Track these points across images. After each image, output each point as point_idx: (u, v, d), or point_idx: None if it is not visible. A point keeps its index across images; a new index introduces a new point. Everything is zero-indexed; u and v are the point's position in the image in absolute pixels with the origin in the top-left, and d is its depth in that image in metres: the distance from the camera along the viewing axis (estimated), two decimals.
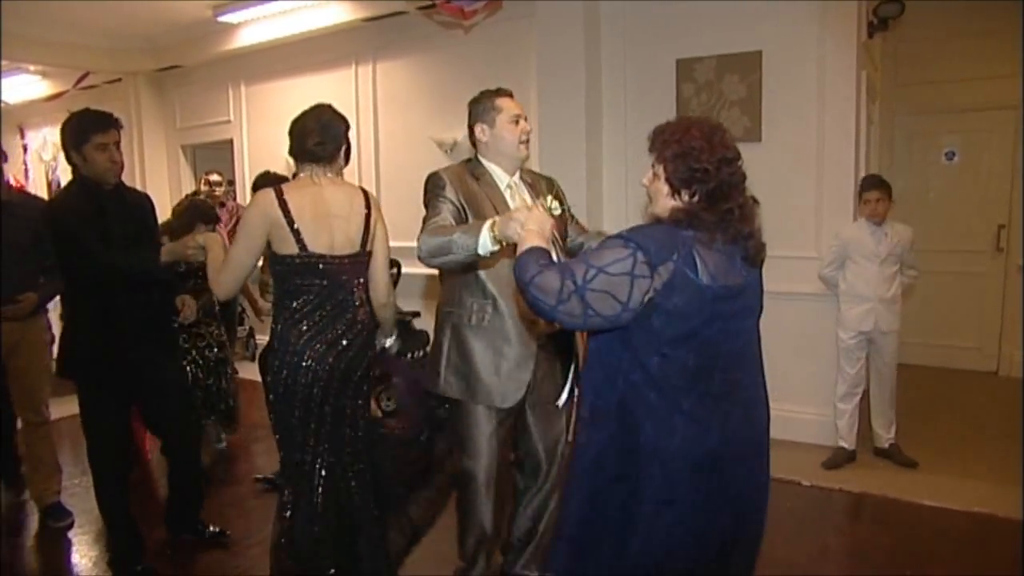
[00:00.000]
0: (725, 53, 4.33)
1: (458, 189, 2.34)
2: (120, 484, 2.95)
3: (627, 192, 4.67)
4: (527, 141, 2.45)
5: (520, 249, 1.71)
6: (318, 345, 2.38)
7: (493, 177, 2.44)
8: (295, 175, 2.59)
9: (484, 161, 2.46)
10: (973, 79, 5.53)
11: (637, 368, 1.59)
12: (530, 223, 1.80)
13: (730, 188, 1.62)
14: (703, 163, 1.59)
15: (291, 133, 2.47)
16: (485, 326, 2.37)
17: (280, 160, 6.05)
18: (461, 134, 5.45)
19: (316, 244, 2.37)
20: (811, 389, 4.19)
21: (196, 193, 5.85)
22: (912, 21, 5.10)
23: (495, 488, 2.50)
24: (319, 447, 2.44)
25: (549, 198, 2.38)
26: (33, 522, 3.55)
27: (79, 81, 7.52)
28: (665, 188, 1.65)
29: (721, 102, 4.39)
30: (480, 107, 2.45)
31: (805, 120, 4.15)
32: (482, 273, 2.35)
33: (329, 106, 2.52)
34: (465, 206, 2.32)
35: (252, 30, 6.10)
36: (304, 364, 2.37)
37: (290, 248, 2.35)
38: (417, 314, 5.24)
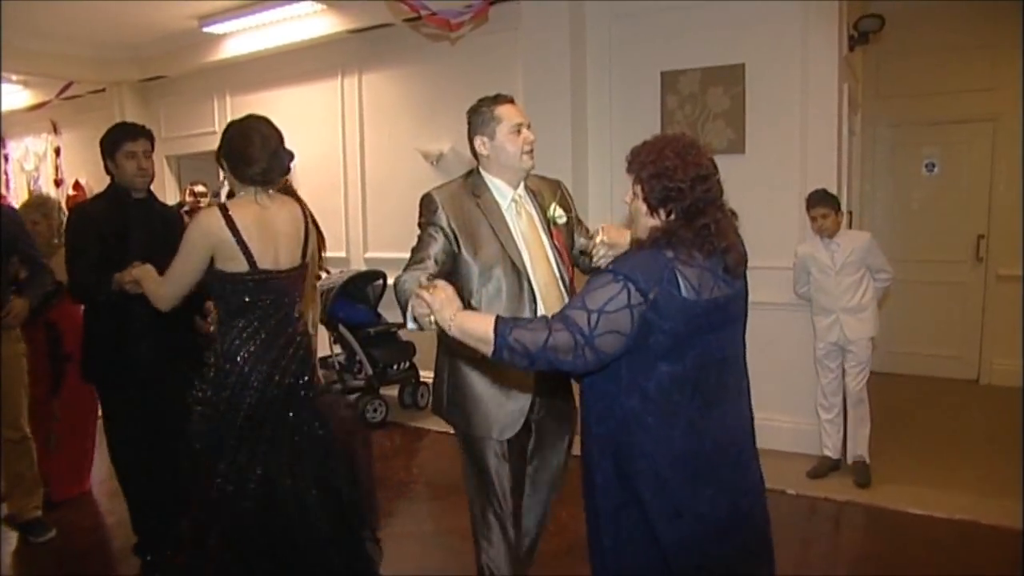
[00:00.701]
0: (709, 66, 4.38)
1: (451, 214, 2.24)
2: (141, 480, 3.03)
3: (612, 203, 4.70)
4: (531, 151, 2.30)
5: (468, 329, 1.66)
6: (262, 365, 2.39)
7: (494, 193, 2.31)
8: (231, 193, 2.63)
9: (486, 175, 2.33)
10: (952, 92, 5.62)
11: (634, 393, 1.64)
12: (443, 310, 1.69)
13: (706, 204, 1.66)
14: (677, 182, 1.63)
15: (231, 155, 2.45)
16: (478, 359, 2.20)
17: None
18: (447, 146, 5.47)
19: (264, 261, 2.39)
20: (795, 398, 4.22)
21: (182, 204, 5.82)
22: (892, 35, 5.19)
23: (511, 522, 2.40)
24: (254, 468, 2.41)
25: (554, 207, 2.34)
26: (13, 538, 3.51)
27: (62, 91, 7.49)
28: (643, 207, 1.70)
29: (705, 114, 4.44)
30: (479, 118, 2.30)
31: (788, 132, 4.20)
32: (475, 301, 2.25)
33: (269, 124, 2.49)
34: (457, 234, 2.24)
35: (237, 41, 6.10)
36: (250, 383, 2.37)
37: (239, 266, 2.36)
38: (403, 325, 5.22)
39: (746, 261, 1.75)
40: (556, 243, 2.35)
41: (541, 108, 4.64)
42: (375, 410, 5.13)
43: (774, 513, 3.45)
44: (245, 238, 2.34)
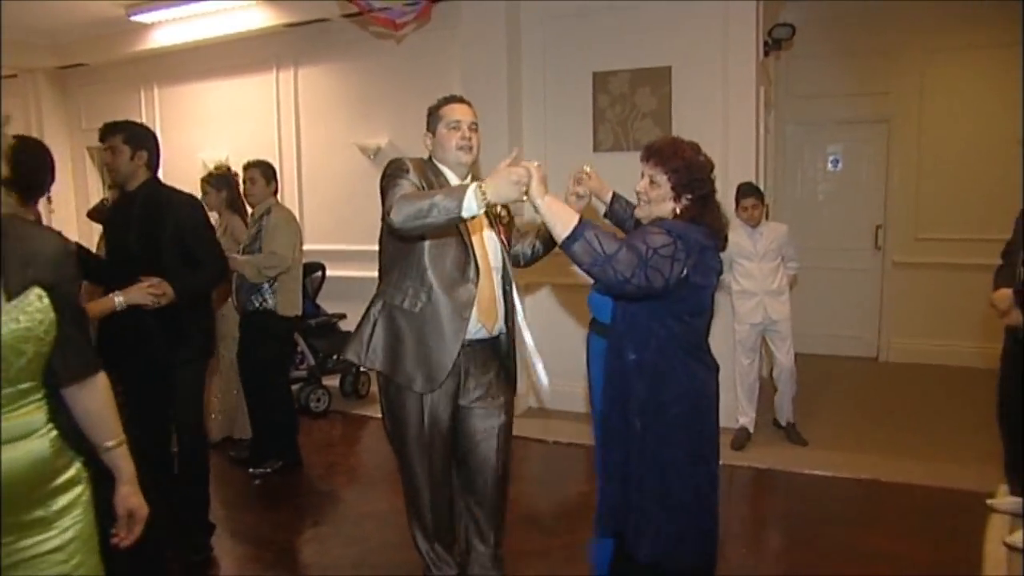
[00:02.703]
0: (638, 68, 4.66)
1: (419, 178, 2.33)
2: (159, 472, 2.96)
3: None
4: (467, 147, 2.43)
5: (547, 208, 1.92)
6: None
7: (447, 179, 2.44)
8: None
9: (439, 164, 2.49)
10: (853, 94, 6.13)
11: (664, 329, 2.08)
12: (534, 182, 1.91)
13: (712, 193, 2.15)
14: (699, 172, 2.12)
15: (28, 172, 2.47)
16: (416, 312, 2.37)
17: (196, 163, 5.98)
18: (385, 140, 5.58)
19: None
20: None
21: (105, 200, 5.69)
22: (801, 41, 5.63)
23: (439, 476, 2.48)
24: None
25: (499, 206, 2.48)
26: None
27: None
28: (670, 192, 2.11)
29: (634, 113, 4.72)
30: (429, 116, 2.51)
31: (711, 130, 4.48)
32: (426, 261, 2.37)
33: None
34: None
35: (167, 31, 5.99)
36: None
37: None
38: (343, 316, 5.32)
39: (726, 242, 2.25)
40: (500, 236, 2.52)
41: (478, 105, 4.65)
42: (318, 400, 5.20)
43: None
44: None
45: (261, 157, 4.41)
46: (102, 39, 6.38)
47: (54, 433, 1.41)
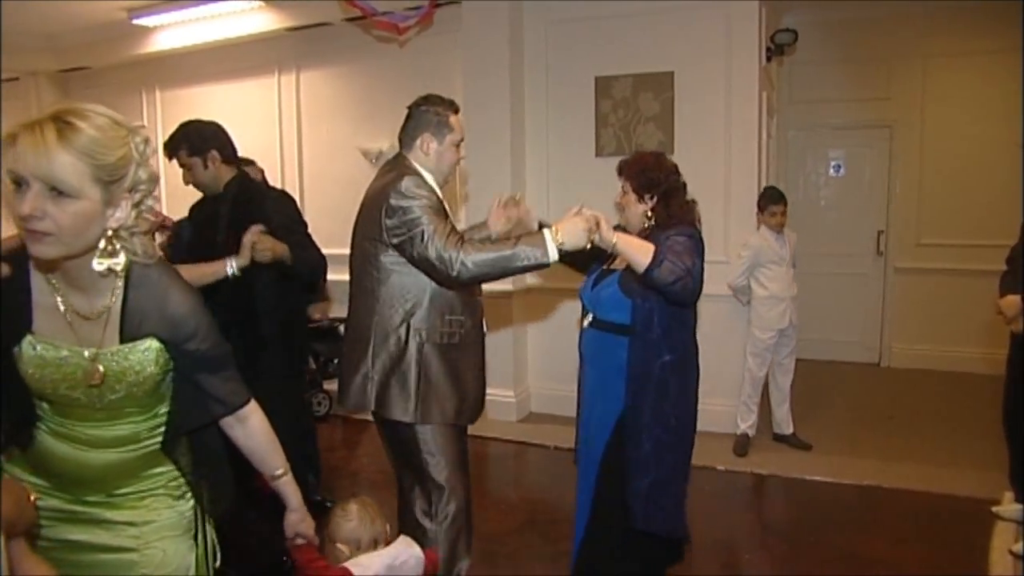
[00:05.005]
0: (640, 72, 4.66)
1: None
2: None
3: (548, 198, 4.92)
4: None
5: (625, 245, 2.14)
6: None
7: (433, 187, 2.30)
8: None
9: (421, 170, 2.30)
10: (855, 100, 6.13)
11: (687, 326, 2.41)
12: (604, 226, 2.09)
13: (675, 191, 2.40)
14: (654, 173, 2.39)
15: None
16: (456, 343, 2.28)
17: None
18: (387, 144, 5.56)
19: None
20: (717, 383, 4.51)
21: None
22: (804, 48, 5.63)
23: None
24: None
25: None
26: None
27: None
28: (634, 197, 2.41)
29: (637, 118, 4.72)
30: (433, 118, 2.31)
31: (713, 135, 4.52)
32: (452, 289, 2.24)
33: None
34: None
35: (169, 34, 5.99)
36: None
37: None
38: (344, 320, 5.30)
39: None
40: None
41: (481, 109, 4.81)
42: (319, 403, 5.19)
43: (709, 487, 3.81)
44: None
45: (264, 160, 4.40)
46: (104, 42, 6.37)
47: (144, 451, 1.49)
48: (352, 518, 2.03)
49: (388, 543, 2.02)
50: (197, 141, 2.86)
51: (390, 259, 2.22)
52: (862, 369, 6.23)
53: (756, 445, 4.36)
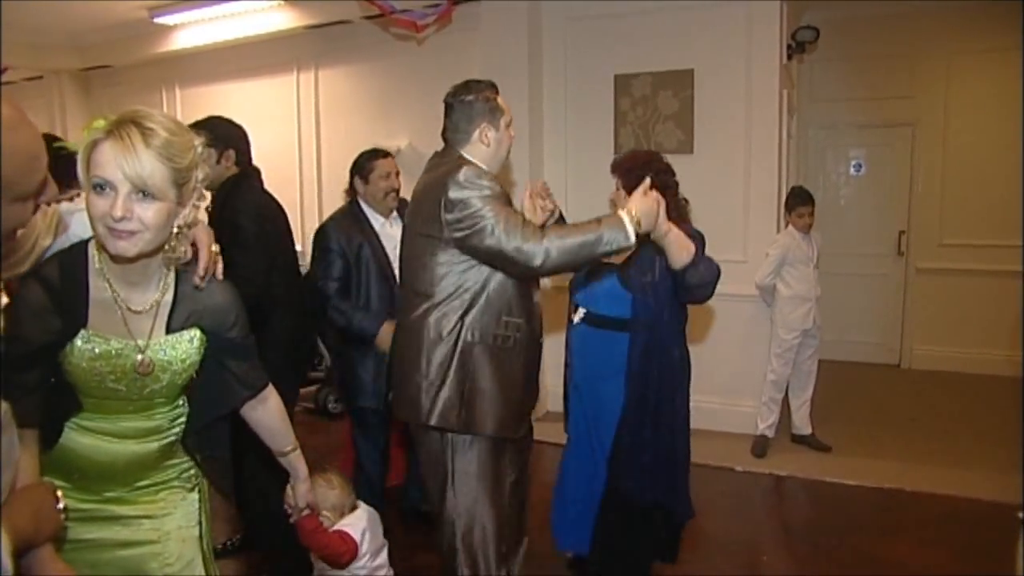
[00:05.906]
0: (660, 70, 4.63)
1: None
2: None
3: (567, 195, 4.90)
4: None
5: (675, 237, 2.15)
6: None
7: None
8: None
9: (480, 163, 2.15)
10: (877, 98, 6.05)
11: (684, 319, 2.56)
12: (663, 212, 2.06)
13: (664, 188, 2.28)
14: (643, 170, 2.38)
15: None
16: (510, 347, 2.10)
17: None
18: (405, 141, 5.57)
19: None
20: (738, 383, 4.52)
21: None
22: (825, 45, 5.56)
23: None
24: None
25: None
26: None
27: None
28: (623, 193, 2.45)
29: (656, 116, 4.69)
30: (486, 105, 2.17)
31: (734, 134, 4.48)
32: (512, 286, 2.09)
33: None
34: None
35: (189, 33, 6.04)
36: None
37: None
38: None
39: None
40: None
41: None
42: (336, 401, 5.20)
43: (726, 488, 3.78)
44: None
45: (282, 158, 4.42)
46: (126, 41, 6.45)
47: (165, 441, 1.56)
48: (335, 486, 2.31)
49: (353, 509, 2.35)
50: (221, 133, 2.79)
51: (448, 255, 2.06)
52: (882, 371, 6.16)
53: (775, 446, 4.32)
